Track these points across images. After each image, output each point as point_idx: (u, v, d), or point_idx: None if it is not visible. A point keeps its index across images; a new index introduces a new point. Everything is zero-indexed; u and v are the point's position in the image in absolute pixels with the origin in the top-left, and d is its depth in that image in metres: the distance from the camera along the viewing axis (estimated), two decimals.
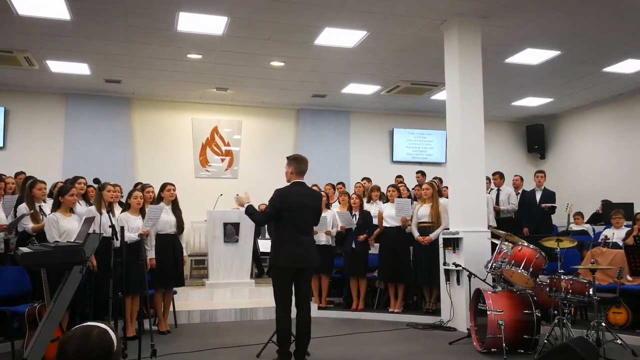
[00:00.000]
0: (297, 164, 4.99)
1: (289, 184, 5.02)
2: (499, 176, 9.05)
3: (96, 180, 5.22)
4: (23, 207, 5.98)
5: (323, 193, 7.90)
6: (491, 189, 9.04)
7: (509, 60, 8.68)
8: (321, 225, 7.44)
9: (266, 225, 9.18)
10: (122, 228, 5.27)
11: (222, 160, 11.55)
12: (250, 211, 5.02)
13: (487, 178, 8.18)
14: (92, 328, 1.73)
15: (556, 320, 5.27)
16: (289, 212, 4.84)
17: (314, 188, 8.24)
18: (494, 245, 6.05)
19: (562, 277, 5.26)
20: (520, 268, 5.37)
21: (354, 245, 7.54)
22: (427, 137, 12.57)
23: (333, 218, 7.72)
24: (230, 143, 11.61)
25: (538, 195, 8.71)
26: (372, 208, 8.00)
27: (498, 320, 5.12)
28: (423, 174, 9.86)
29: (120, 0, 6.46)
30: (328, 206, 8.03)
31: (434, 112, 11.70)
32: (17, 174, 8.02)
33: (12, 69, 9.03)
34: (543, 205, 8.58)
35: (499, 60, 8.59)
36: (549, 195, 8.68)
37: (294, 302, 4.93)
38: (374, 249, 7.64)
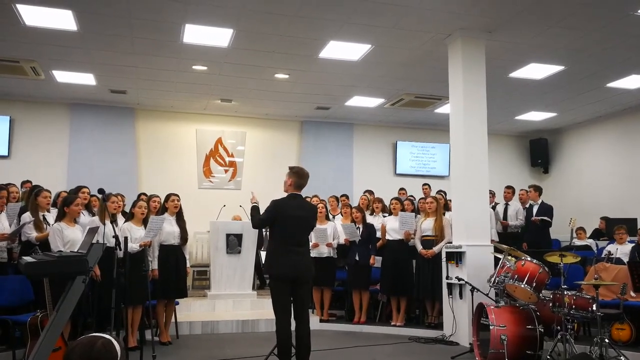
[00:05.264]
0: (298, 177, 5.02)
1: (285, 195, 5.07)
2: (511, 191, 8.99)
3: (101, 191, 5.25)
4: (27, 216, 6.00)
5: (321, 205, 7.87)
6: (496, 203, 9.02)
7: (512, 75, 8.71)
8: (322, 237, 7.46)
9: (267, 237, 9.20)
10: (125, 238, 5.28)
11: (226, 171, 11.58)
12: (252, 212, 5.13)
13: (491, 192, 8.16)
14: (97, 338, 1.74)
15: (559, 336, 5.25)
16: (282, 223, 4.89)
17: (314, 199, 8.28)
18: (497, 260, 6.04)
19: (565, 293, 5.24)
20: (524, 283, 5.36)
21: (357, 258, 7.53)
22: (430, 150, 12.60)
23: (334, 230, 7.72)
24: (234, 154, 11.65)
25: (535, 210, 8.68)
26: (375, 221, 8.00)
27: (501, 335, 5.10)
28: (430, 186, 9.86)
29: (127, 11, 6.52)
30: (328, 217, 8.04)
31: (438, 125, 11.72)
32: (23, 183, 8.07)
33: (18, 78, 9.09)
34: (532, 219, 8.55)
35: (503, 74, 8.62)
36: (546, 209, 8.63)
37: (293, 314, 4.93)
38: (377, 263, 7.62)
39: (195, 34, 7.16)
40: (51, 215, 6.12)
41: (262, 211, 5.05)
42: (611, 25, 6.80)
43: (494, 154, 8.84)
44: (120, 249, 5.23)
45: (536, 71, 8.55)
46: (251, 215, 5.15)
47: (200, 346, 6.45)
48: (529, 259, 5.54)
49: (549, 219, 8.55)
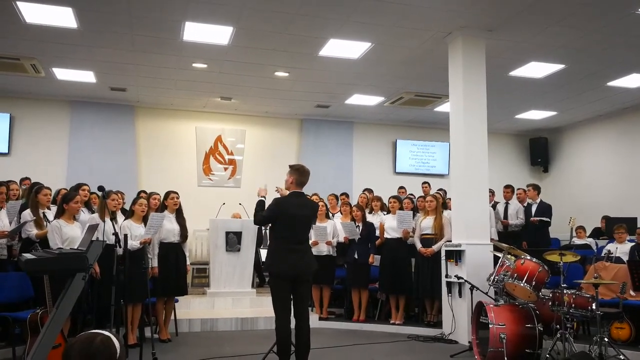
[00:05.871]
0: (299, 175, 5.01)
1: (287, 193, 5.05)
2: (510, 190, 8.98)
3: (100, 188, 5.25)
4: (27, 214, 6.00)
5: (321, 203, 7.86)
6: (496, 202, 9.01)
7: (513, 73, 8.71)
8: (321, 235, 7.46)
9: (268, 235, 9.20)
10: (125, 236, 5.28)
11: (225, 169, 11.58)
12: (257, 208, 5.07)
13: (491, 190, 8.16)
14: (96, 335, 1.75)
15: (558, 335, 5.26)
16: (285, 221, 4.88)
17: (314, 197, 8.27)
18: (496, 258, 6.04)
19: (564, 291, 5.25)
20: (523, 281, 5.36)
21: (356, 256, 7.53)
22: (430, 149, 12.59)
23: (333, 228, 7.72)
24: (233, 152, 11.64)
25: (534, 209, 8.68)
26: (374, 219, 8.00)
27: (500, 333, 5.10)
28: (429, 185, 9.85)
29: (127, 9, 6.52)
30: (328, 216, 8.03)
31: (438, 124, 11.72)
32: (22, 180, 8.07)
33: (18, 76, 9.09)
34: (531, 219, 8.54)
35: (503, 73, 8.62)
36: (545, 208, 8.63)
37: (293, 312, 4.94)
38: (376, 262, 7.62)
39: (196, 32, 7.15)
40: (51, 213, 6.12)
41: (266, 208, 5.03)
42: (611, 25, 6.79)
43: (493, 153, 8.83)
44: (120, 247, 5.24)
45: (536, 70, 8.54)
46: (255, 210, 5.09)
47: (200, 344, 6.45)
48: (528, 257, 5.54)
49: (548, 220, 8.55)
